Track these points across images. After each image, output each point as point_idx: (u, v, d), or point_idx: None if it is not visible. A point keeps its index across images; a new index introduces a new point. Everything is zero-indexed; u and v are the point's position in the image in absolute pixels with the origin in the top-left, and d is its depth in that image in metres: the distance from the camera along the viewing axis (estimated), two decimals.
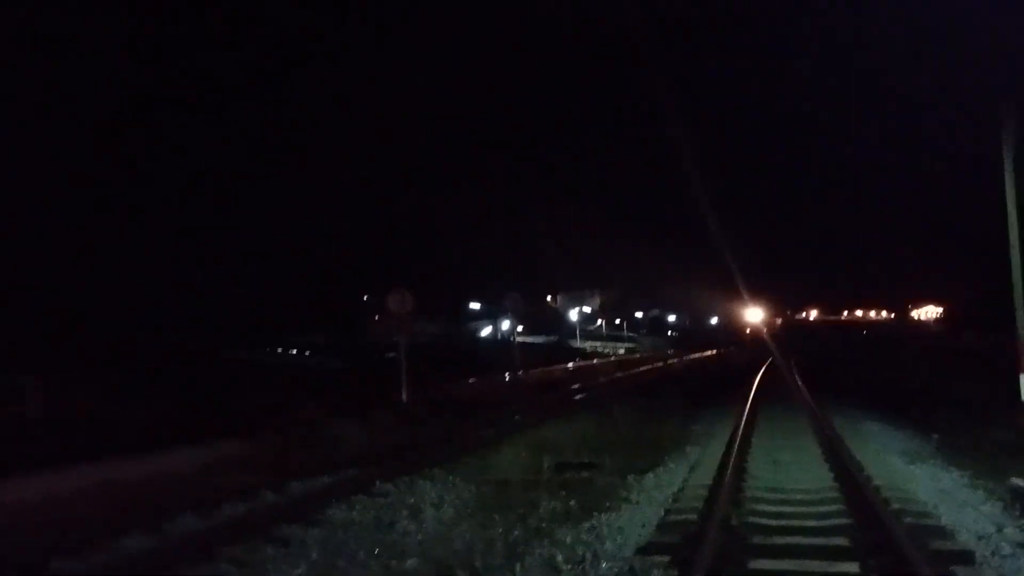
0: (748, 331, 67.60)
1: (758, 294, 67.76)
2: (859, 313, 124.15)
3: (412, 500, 8.34)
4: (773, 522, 7.06)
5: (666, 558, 5.95)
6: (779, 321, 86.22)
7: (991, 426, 11.69)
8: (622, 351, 55.74)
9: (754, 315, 68.49)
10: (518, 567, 6.01)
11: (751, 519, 7.12)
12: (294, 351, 31.10)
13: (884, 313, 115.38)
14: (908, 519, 6.88)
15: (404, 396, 16.92)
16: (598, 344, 59.02)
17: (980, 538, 6.42)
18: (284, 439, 11.83)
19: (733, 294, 64.11)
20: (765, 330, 65.83)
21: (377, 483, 8.89)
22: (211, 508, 7.62)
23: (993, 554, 5.99)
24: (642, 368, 38.50)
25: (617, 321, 75.69)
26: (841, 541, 6.32)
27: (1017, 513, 7.17)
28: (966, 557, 5.84)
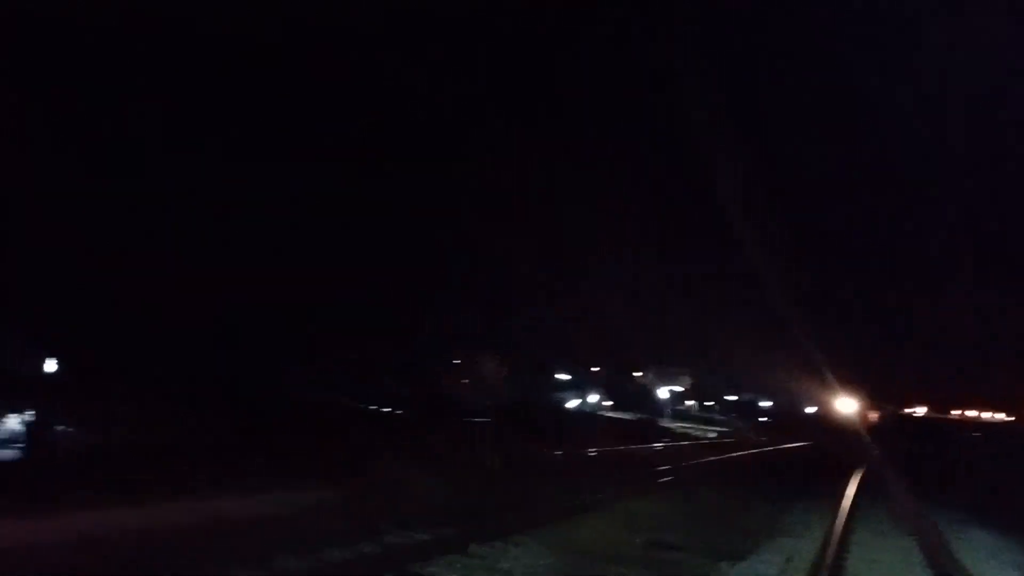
0: (846, 421, 64.54)
1: (854, 384, 64.92)
2: (971, 413, 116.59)
3: (505, 565, 8.47)
4: None
5: None
6: (880, 415, 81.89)
7: None
8: (713, 435, 54.17)
9: (848, 405, 65.46)
10: None
11: None
12: (380, 407, 31.63)
13: (1001, 414, 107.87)
14: None
15: (493, 461, 17.11)
16: (688, 425, 57.60)
17: None
18: (373, 490, 12.17)
19: (829, 382, 61.70)
20: (861, 423, 62.69)
21: (471, 545, 9.06)
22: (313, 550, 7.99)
23: None
24: (734, 454, 37.31)
25: (708, 403, 73.78)
26: None
27: None
28: None
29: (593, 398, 54.38)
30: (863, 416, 69.15)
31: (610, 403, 53.82)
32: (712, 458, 32.36)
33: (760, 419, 76.94)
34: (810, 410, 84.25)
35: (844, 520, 12.91)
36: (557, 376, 55.34)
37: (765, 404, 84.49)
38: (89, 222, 21.77)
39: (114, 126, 24.90)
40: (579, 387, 55.61)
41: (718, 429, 59.62)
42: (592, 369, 56.58)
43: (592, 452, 27.71)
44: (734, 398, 79.37)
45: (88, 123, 24.20)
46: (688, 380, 71.96)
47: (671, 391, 63.87)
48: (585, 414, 50.78)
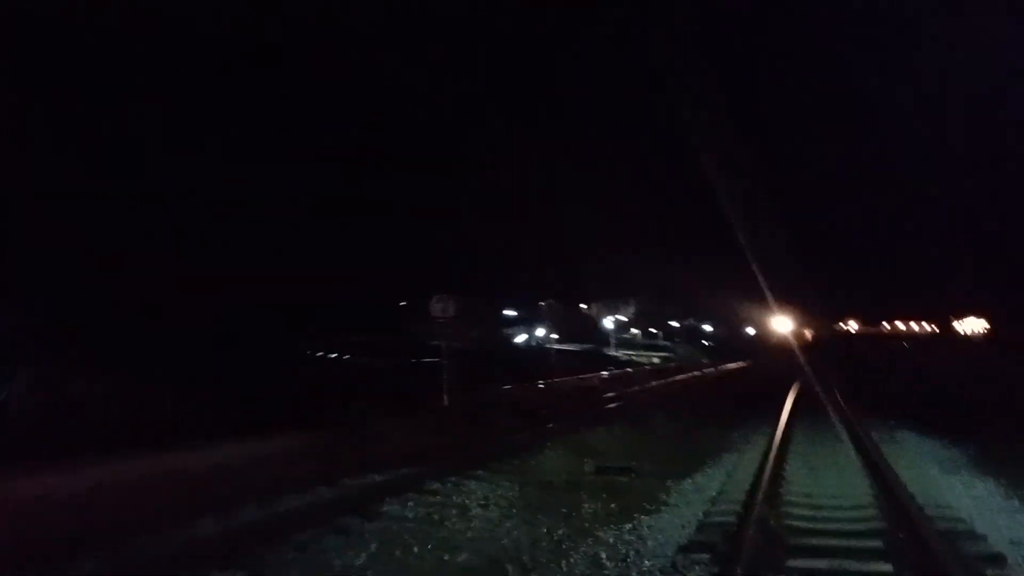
0: (782, 341, 66.98)
1: (791, 305, 67.27)
2: (900, 325, 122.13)
3: (460, 499, 8.74)
4: (808, 524, 7.32)
5: (707, 555, 6.26)
6: (815, 333, 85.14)
7: None
8: (657, 360, 55.67)
9: (785, 325, 68.00)
10: (563, 564, 6.33)
11: (787, 522, 7.39)
12: (335, 354, 31.64)
13: (926, 326, 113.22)
14: (942, 524, 7.10)
15: (445, 399, 17.38)
16: (633, 352, 58.99)
17: (1013, 543, 6.62)
18: (336, 435, 12.38)
19: (768, 304, 63.74)
20: (799, 341, 65.25)
21: (431, 483, 9.30)
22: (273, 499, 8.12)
23: None
24: (677, 377, 38.52)
25: (652, 330, 75.53)
26: (873, 543, 6.56)
27: None
28: (998, 560, 6.05)
29: (541, 332, 55.08)
30: (798, 335, 71.87)
31: (557, 336, 54.59)
32: (657, 383, 33.39)
33: (703, 343, 79.24)
34: (751, 332, 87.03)
35: (782, 432, 13.58)
36: (505, 312, 55.77)
37: (708, 329, 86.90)
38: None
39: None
40: (527, 322, 56.24)
41: (662, 355, 61.21)
42: (540, 303, 57.18)
43: (541, 385, 28.32)
44: (677, 324, 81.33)
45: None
46: (633, 309, 73.34)
47: (616, 320, 65.04)
48: (533, 348, 51.52)
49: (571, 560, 6.38)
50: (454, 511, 8.14)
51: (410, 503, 8.39)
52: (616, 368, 43.18)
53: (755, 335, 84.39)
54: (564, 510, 8.20)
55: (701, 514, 7.94)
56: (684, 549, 6.58)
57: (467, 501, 8.64)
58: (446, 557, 6.60)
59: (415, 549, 6.80)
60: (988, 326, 78.75)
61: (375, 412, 14.79)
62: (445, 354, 17.79)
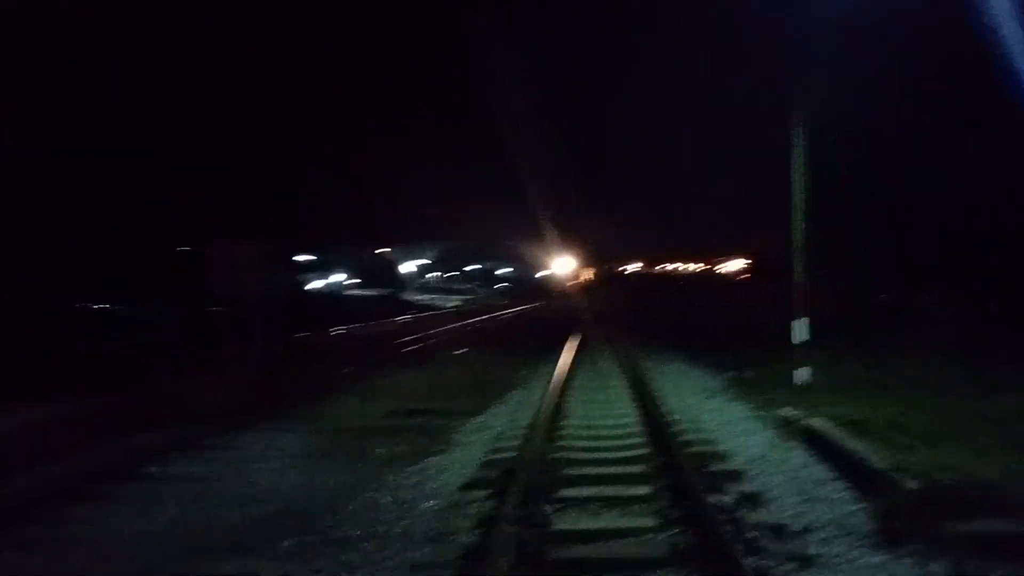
0: (571, 282, 70.71)
1: (581, 246, 70.99)
2: (675, 266, 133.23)
3: (242, 453, 8.40)
4: (582, 455, 7.81)
5: (487, 491, 6.49)
6: (600, 273, 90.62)
7: (777, 364, 13.22)
8: (456, 303, 56.64)
9: (567, 266, 72.01)
10: (343, 511, 6.25)
11: (563, 455, 7.84)
12: (109, 305, 28.86)
13: (697, 266, 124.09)
14: (696, 447, 7.88)
15: (231, 351, 16.52)
16: (431, 296, 59.57)
17: (750, 460, 7.49)
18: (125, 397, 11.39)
19: (558, 247, 66.69)
20: (587, 282, 69.31)
21: (206, 439, 8.84)
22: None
23: (759, 473, 7.03)
24: (474, 320, 39.44)
25: (450, 274, 76.64)
26: (636, 468, 7.15)
27: (783, 438, 8.36)
28: (736, 476, 6.83)
29: (337, 277, 53.91)
30: (579, 274, 76.12)
31: (356, 281, 53.75)
32: (452, 326, 33.99)
33: (499, 285, 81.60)
34: (543, 273, 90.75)
35: (567, 368, 14.37)
36: (297, 258, 53.72)
37: (503, 271, 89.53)
38: None
39: None
40: (322, 268, 54.71)
41: (460, 298, 62.36)
42: (336, 248, 55.75)
43: (338, 332, 27.83)
44: (474, 267, 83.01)
45: None
46: (432, 253, 73.77)
47: (415, 265, 65.12)
48: (327, 295, 50.31)
49: (351, 508, 6.34)
50: (233, 466, 7.81)
51: (185, 461, 7.93)
52: (415, 312, 43.38)
53: (548, 276, 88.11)
54: (350, 457, 8.14)
55: (485, 452, 8.20)
56: (465, 487, 6.78)
57: (249, 454, 8.32)
58: (219, 515, 6.31)
59: (182, 508, 6.44)
60: (747, 262, 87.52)
61: (152, 367, 13.76)
62: (230, 303, 16.86)
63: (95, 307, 29.53)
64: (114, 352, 16.46)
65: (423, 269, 69.82)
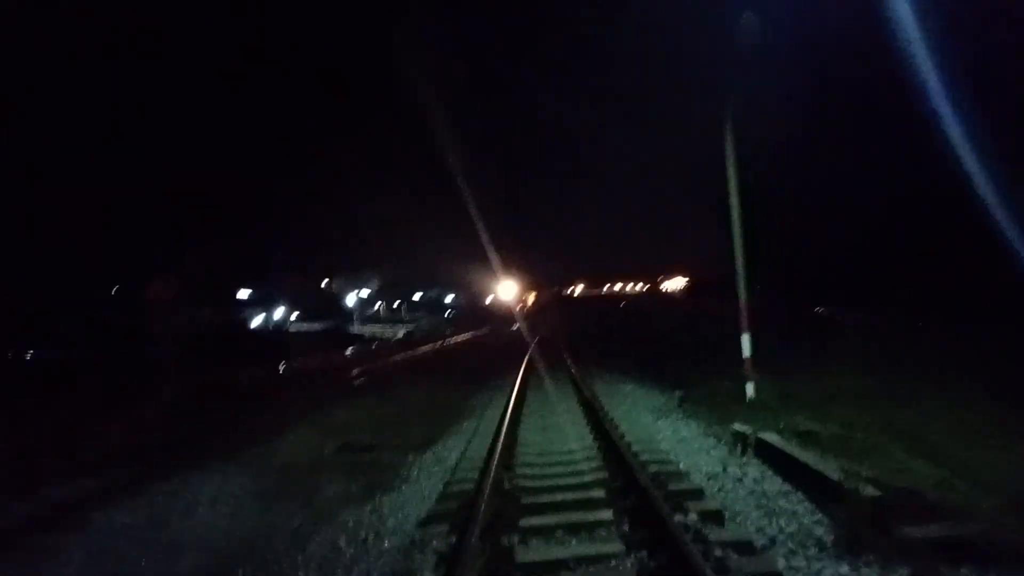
0: (514, 307, 70.86)
1: (524, 272, 71.34)
2: (619, 286, 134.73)
3: (189, 496, 8.06)
4: (541, 483, 7.72)
5: (446, 526, 6.34)
6: (538, 297, 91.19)
7: (723, 380, 13.42)
8: (401, 334, 56.06)
9: (512, 292, 72.30)
10: (300, 555, 6.03)
11: (523, 482, 7.74)
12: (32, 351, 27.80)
13: (640, 285, 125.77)
14: (654, 467, 7.87)
15: (169, 390, 16.03)
16: (377, 328, 58.85)
17: (710, 477, 7.52)
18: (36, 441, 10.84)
19: (500, 274, 66.81)
20: (532, 306, 69.56)
21: (148, 483, 8.48)
22: None
23: (719, 489, 7.05)
24: (421, 349, 39.10)
25: (396, 304, 75.85)
26: (597, 493, 7.09)
27: (738, 453, 8.44)
28: (698, 494, 6.83)
29: (280, 312, 52.93)
30: (521, 300, 76.47)
31: (298, 315, 52.79)
32: (401, 356, 33.64)
33: (445, 313, 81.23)
34: (488, 300, 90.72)
35: (516, 395, 14.26)
36: (238, 295, 52.65)
37: (449, 299, 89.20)
38: None
39: None
40: (264, 302, 53.64)
41: (407, 327, 61.78)
42: (280, 280, 54.82)
43: (283, 367, 27.22)
44: (419, 295, 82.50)
45: None
46: (376, 283, 73.01)
47: (359, 296, 64.40)
48: (271, 331, 49.33)
49: (309, 549, 6.13)
50: (179, 511, 7.49)
51: (127, 508, 7.57)
52: (361, 344, 42.79)
53: (491, 303, 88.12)
54: (303, 496, 7.89)
55: (442, 485, 8.04)
56: (425, 522, 6.62)
57: (197, 497, 7.99)
58: (169, 562, 6.04)
59: (131, 557, 6.14)
60: (687, 280, 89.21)
61: (88, 409, 13.23)
62: (166, 340, 16.35)
63: (26, 356, 28.44)
64: (42, 393, 15.83)
65: (369, 299, 69.08)
